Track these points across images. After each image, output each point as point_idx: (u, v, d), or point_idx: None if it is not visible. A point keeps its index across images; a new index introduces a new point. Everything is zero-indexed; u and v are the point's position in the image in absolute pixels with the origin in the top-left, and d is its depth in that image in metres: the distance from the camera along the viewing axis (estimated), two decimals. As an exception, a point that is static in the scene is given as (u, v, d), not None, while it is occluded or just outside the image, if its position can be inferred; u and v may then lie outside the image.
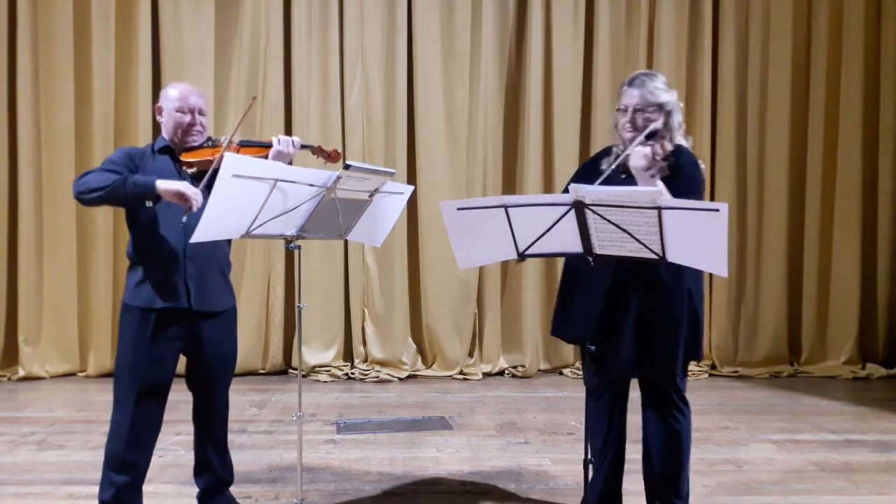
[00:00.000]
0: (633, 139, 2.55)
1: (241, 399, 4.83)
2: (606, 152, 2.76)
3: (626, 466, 2.81)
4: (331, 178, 2.53)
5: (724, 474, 3.50)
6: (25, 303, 5.38)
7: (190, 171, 2.66)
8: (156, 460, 3.54)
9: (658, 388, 2.62)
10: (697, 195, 2.52)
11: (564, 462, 3.64)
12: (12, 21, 5.33)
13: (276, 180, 2.40)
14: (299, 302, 2.89)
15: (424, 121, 5.56)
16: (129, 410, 2.57)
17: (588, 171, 2.72)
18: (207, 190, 2.51)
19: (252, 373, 5.53)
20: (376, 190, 2.72)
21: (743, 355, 5.82)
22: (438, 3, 5.54)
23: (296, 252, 2.76)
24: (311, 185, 2.52)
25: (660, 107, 2.57)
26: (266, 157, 2.67)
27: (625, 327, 2.57)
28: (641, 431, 2.71)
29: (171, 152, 2.71)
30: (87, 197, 2.51)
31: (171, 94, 2.72)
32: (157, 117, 2.76)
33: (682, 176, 2.51)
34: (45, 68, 5.32)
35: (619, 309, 2.57)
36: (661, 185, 2.46)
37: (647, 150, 2.45)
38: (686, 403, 2.66)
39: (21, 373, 5.34)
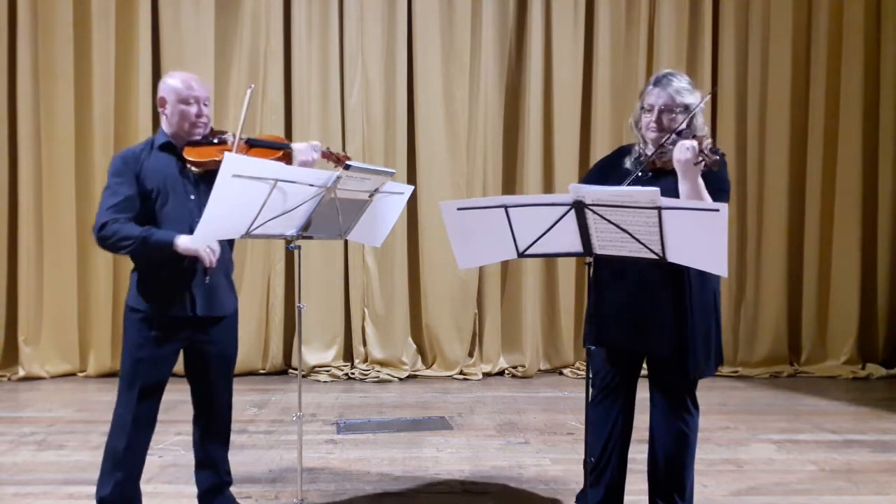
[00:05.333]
0: (657, 139, 2.54)
1: (241, 399, 4.80)
2: (626, 151, 2.72)
3: (629, 466, 2.80)
4: (331, 178, 2.53)
5: (724, 474, 3.50)
6: (25, 303, 5.38)
7: (195, 170, 2.62)
8: (156, 460, 3.57)
9: (673, 389, 2.61)
10: (726, 194, 2.52)
11: (564, 462, 3.65)
12: (12, 21, 5.33)
13: (277, 180, 2.40)
14: (299, 302, 2.89)
15: (424, 121, 5.56)
16: (132, 408, 2.58)
17: (606, 171, 2.68)
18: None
19: (252, 373, 5.53)
20: (376, 190, 2.72)
21: (743, 355, 5.82)
22: (438, 3, 5.53)
23: (296, 252, 2.75)
24: (311, 185, 2.52)
25: (686, 108, 2.55)
26: (279, 159, 2.59)
27: (650, 327, 2.55)
28: (648, 430, 2.71)
29: (174, 149, 2.64)
30: (115, 252, 2.56)
31: (174, 84, 2.63)
32: (160, 109, 2.66)
33: (714, 176, 2.48)
34: (45, 68, 5.31)
35: (647, 309, 2.56)
36: (700, 182, 2.42)
37: (693, 142, 2.38)
38: (697, 406, 2.67)
39: (21, 373, 5.34)
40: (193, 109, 2.61)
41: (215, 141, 2.66)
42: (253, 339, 5.51)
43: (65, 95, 5.31)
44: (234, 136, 2.66)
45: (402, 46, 5.53)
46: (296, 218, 2.61)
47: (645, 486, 2.76)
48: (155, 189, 2.57)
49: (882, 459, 3.76)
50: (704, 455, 3.67)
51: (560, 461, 3.67)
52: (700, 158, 2.36)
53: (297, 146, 2.78)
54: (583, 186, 2.17)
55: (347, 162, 2.57)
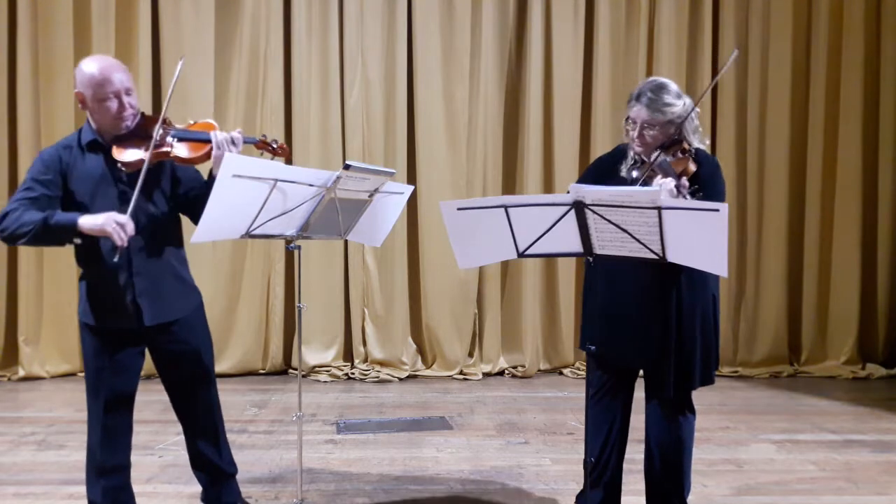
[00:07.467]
0: (643, 153, 2.55)
1: (241, 399, 4.83)
2: (622, 153, 2.71)
3: (627, 466, 2.81)
4: (331, 178, 2.53)
5: (724, 474, 3.50)
6: (25, 303, 5.37)
7: (126, 171, 2.45)
8: (156, 460, 3.57)
9: (668, 397, 2.60)
10: (721, 196, 2.50)
11: (564, 462, 3.65)
12: (12, 20, 5.33)
13: (276, 180, 2.40)
14: (299, 302, 2.89)
15: (424, 121, 5.55)
16: (100, 418, 2.53)
17: (604, 173, 2.68)
18: (143, 193, 2.40)
19: (252, 373, 5.53)
20: (376, 190, 2.72)
21: (743, 355, 5.82)
22: (438, 3, 5.53)
23: (296, 252, 2.76)
24: (311, 186, 2.52)
25: (669, 122, 2.53)
26: (208, 153, 2.46)
27: (646, 329, 2.55)
28: (644, 431, 2.71)
29: (102, 148, 2.46)
30: (13, 244, 2.37)
31: (90, 75, 2.37)
32: (80, 106, 2.44)
33: (704, 186, 2.47)
34: (45, 68, 5.31)
35: (634, 326, 2.56)
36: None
37: (671, 185, 2.36)
38: (692, 410, 2.66)
39: (21, 373, 5.34)
40: (114, 105, 2.40)
41: (143, 134, 2.45)
42: (253, 339, 5.51)
43: (65, 95, 5.31)
44: (160, 127, 2.43)
45: (402, 46, 5.53)
46: (296, 218, 2.61)
47: (643, 485, 2.76)
48: (87, 195, 2.44)
49: (882, 459, 3.76)
50: (704, 455, 3.68)
51: (560, 461, 3.67)
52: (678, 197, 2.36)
53: (215, 135, 2.47)
54: (583, 186, 2.17)
55: (347, 162, 2.57)
